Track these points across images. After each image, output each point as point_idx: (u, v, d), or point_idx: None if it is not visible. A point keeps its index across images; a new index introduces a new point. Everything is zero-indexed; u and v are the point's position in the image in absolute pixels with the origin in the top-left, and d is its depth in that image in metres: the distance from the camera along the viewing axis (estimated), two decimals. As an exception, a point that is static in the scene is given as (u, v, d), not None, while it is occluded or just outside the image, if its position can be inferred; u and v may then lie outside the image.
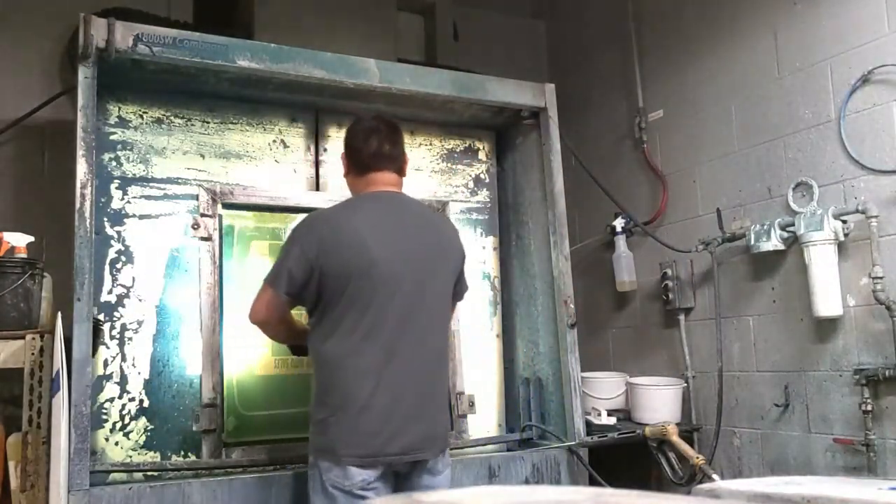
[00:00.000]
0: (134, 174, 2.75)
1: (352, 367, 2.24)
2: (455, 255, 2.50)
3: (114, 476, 2.52)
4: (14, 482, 2.44)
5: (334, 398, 2.24)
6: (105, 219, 2.68)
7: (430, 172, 3.26)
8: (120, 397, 2.61)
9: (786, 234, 3.26)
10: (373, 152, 2.41)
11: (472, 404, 3.14)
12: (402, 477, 2.31)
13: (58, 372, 2.28)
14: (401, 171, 2.47)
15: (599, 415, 3.54)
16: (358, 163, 2.45)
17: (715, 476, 3.01)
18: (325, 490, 2.21)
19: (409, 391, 2.28)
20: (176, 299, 2.73)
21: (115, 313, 2.65)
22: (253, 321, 2.40)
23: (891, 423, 2.94)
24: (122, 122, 2.76)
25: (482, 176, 3.39)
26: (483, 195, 3.37)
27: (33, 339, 2.46)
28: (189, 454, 2.66)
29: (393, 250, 2.30)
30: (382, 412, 2.22)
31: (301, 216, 2.95)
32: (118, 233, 2.69)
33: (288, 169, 3.02)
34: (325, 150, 3.11)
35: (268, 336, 2.53)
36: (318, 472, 2.24)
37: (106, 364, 2.61)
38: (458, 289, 2.54)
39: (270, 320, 2.40)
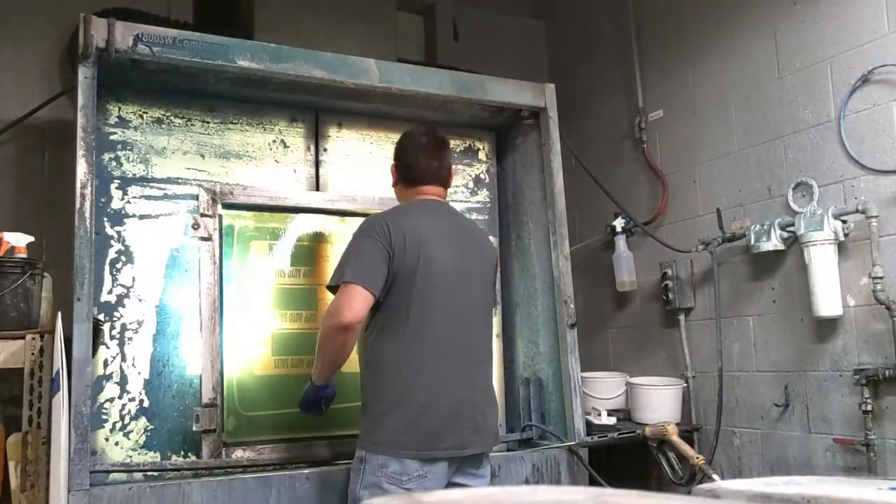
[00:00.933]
0: (134, 174, 2.75)
1: (412, 365, 2.32)
2: (492, 262, 2.66)
3: (114, 476, 2.51)
4: (14, 482, 2.44)
5: (394, 395, 2.31)
6: (105, 219, 2.68)
7: (430, 172, 3.26)
8: (120, 397, 2.61)
9: (786, 234, 3.26)
10: (422, 169, 2.55)
11: (472, 404, 3.14)
12: (453, 471, 2.38)
13: (58, 372, 2.28)
14: (446, 184, 2.62)
15: (599, 415, 3.53)
16: (407, 177, 2.57)
17: (715, 476, 3.01)
18: (379, 485, 2.25)
19: (463, 388, 2.39)
20: (176, 299, 2.73)
21: (115, 313, 2.65)
22: (350, 320, 2.26)
23: (891, 423, 2.94)
24: (122, 122, 2.76)
25: (482, 176, 3.39)
26: (483, 195, 3.38)
27: (33, 339, 2.46)
28: (189, 454, 2.66)
29: (446, 254, 2.42)
30: (441, 408, 2.32)
31: (301, 216, 2.98)
32: (118, 233, 2.69)
33: (288, 169, 3.02)
34: (325, 150, 3.11)
35: (341, 346, 2.34)
36: (370, 468, 2.28)
37: (106, 364, 2.61)
38: (492, 295, 2.70)
39: (360, 323, 2.32)
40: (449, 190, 3.24)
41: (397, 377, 2.33)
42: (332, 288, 2.38)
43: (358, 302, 2.27)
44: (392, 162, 2.64)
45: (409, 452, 2.27)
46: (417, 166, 2.55)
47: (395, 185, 2.64)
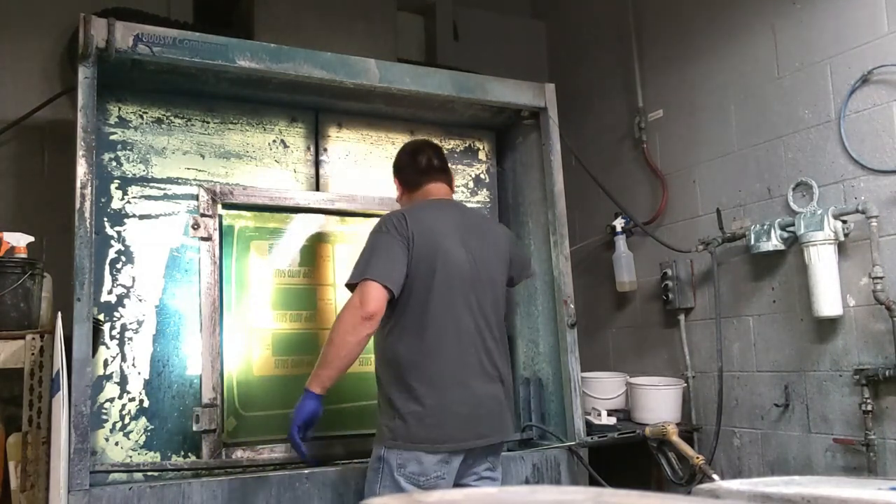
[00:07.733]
0: (134, 174, 2.75)
1: (435, 360, 2.32)
2: (503, 244, 2.62)
3: (114, 476, 2.52)
4: (14, 482, 2.44)
5: (420, 392, 2.30)
6: (105, 219, 2.68)
7: (430, 172, 3.26)
8: (120, 397, 2.61)
9: (786, 234, 3.26)
10: (424, 166, 2.59)
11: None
12: (466, 465, 2.40)
13: (58, 372, 2.28)
14: (450, 182, 2.65)
15: (599, 415, 3.53)
16: (410, 179, 2.60)
17: (715, 476, 3.00)
18: (398, 485, 2.26)
19: (484, 381, 2.41)
20: (176, 299, 2.73)
21: (115, 313, 2.65)
22: (373, 311, 2.26)
23: (891, 423, 2.94)
24: (122, 122, 2.77)
25: (482, 176, 3.39)
26: (483, 195, 3.38)
27: (33, 339, 2.46)
28: (189, 454, 2.66)
29: (461, 248, 2.43)
30: (466, 404, 2.33)
31: (301, 216, 2.98)
32: (118, 233, 2.69)
33: (288, 169, 3.02)
34: (325, 150, 3.11)
35: (363, 339, 2.31)
36: (388, 468, 2.28)
37: (106, 364, 2.61)
38: (516, 273, 2.69)
39: (380, 317, 2.31)
40: (449, 190, 3.28)
41: (422, 373, 2.31)
42: (351, 286, 2.35)
43: (377, 297, 2.27)
44: (394, 177, 2.67)
45: (431, 447, 2.27)
46: (418, 164, 2.58)
47: (401, 197, 2.66)
